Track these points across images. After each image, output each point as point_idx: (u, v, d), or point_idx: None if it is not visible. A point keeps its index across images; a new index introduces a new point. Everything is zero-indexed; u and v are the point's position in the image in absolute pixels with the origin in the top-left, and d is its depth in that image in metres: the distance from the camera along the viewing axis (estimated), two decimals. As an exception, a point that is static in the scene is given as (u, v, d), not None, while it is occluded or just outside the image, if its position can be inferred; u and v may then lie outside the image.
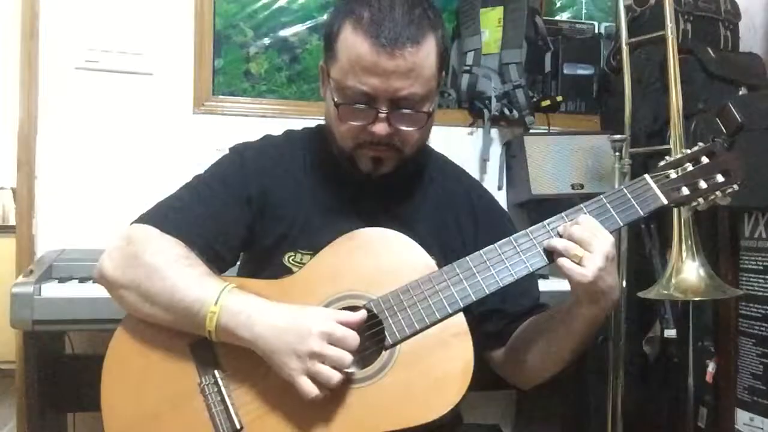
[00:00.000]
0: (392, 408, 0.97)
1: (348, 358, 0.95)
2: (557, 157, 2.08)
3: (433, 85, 1.07)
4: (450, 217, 1.20)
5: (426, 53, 1.03)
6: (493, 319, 1.16)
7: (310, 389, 0.94)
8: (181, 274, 1.01)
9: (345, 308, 1.02)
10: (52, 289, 1.54)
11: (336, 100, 1.06)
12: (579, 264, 0.96)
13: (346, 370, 0.95)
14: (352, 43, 1.02)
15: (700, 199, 1.03)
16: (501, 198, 2.22)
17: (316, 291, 1.04)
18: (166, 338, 1.04)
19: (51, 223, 1.98)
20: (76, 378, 1.72)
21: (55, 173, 1.99)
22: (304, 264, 1.11)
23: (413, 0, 1.04)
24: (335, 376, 0.94)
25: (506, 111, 2.20)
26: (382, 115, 1.04)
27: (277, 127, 1.28)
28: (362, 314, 0.98)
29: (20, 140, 1.96)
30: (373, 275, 1.04)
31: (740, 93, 1.95)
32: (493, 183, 2.23)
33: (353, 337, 0.96)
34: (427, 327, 1.00)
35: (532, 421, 2.26)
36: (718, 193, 1.03)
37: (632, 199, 1.02)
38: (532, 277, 1.11)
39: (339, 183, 1.16)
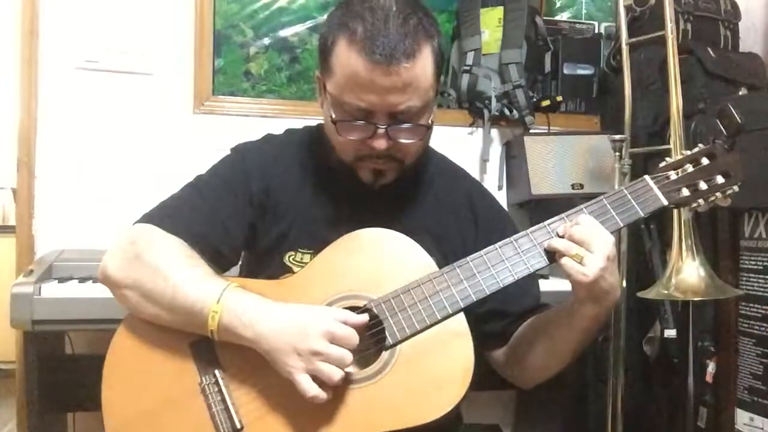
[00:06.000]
0: (392, 408, 0.97)
1: (349, 357, 0.95)
2: (557, 157, 2.07)
3: (431, 95, 1.06)
4: (450, 217, 1.20)
5: (422, 65, 1.02)
6: (494, 319, 1.16)
7: (309, 387, 0.93)
8: (184, 274, 1.01)
9: (345, 308, 1.02)
10: (52, 289, 1.53)
11: (333, 115, 1.06)
12: (580, 264, 0.96)
13: (345, 369, 0.95)
14: (347, 59, 1.01)
15: (701, 200, 1.03)
16: (501, 198, 2.22)
17: (316, 291, 1.04)
18: (167, 338, 1.04)
19: (51, 223, 1.97)
20: (76, 378, 1.71)
21: (55, 173, 1.98)
22: (304, 263, 1.11)
23: (408, 11, 1.02)
24: (336, 375, 0.94)
25: (506, 111, 2.20)
26: (381, 130, 1.03)
27: (277, 127, 1.28)
28: (364, 317, 0.98)
29: (20, 140, 1.96)
30: (373, 275, 1.04)
31: (740, 93, 1.95)
32: (493, 183, 2.23)
33: (354, 337, 0.96)
34: (428, 327, 1.00)
35: (532, 421, 2.26)
36: (718, 194, 1.03)
37: (632, 200, 1.02)
38: (532, 278, 1.11)
39: (340, 182, 1.16)
